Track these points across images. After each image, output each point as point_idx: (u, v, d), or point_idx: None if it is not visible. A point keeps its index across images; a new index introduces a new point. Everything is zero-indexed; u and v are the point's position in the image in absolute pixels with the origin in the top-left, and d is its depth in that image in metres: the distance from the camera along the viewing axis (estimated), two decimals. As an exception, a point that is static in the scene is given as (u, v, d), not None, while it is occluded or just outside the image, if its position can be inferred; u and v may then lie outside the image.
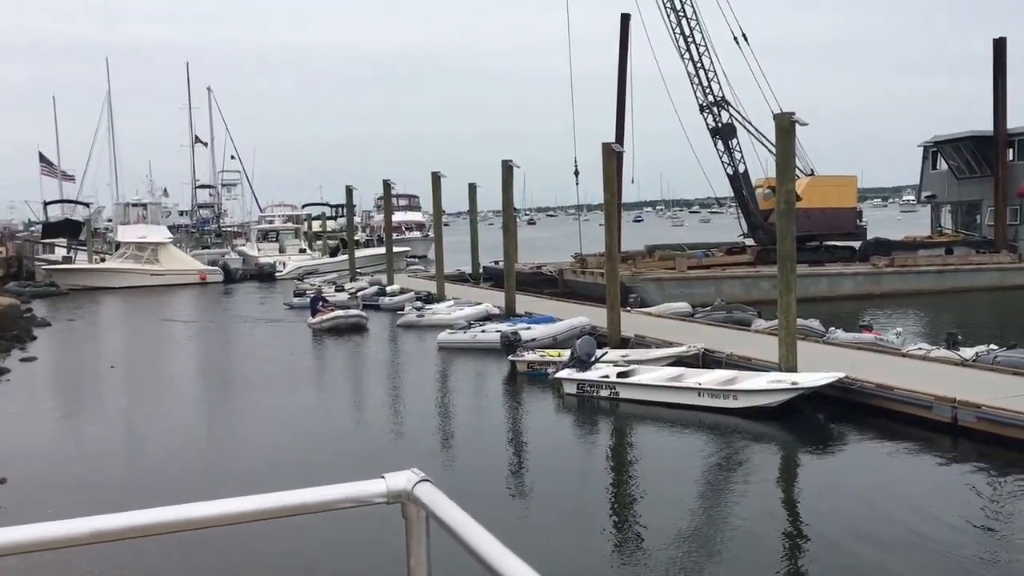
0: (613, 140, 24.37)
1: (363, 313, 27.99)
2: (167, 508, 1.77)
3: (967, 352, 16.52)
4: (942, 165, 40.03)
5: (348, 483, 2.02)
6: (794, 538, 9.50)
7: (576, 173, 38.05)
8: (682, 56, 34.35)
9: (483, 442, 13.77)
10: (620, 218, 26.07)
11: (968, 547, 8.87)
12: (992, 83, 35.67)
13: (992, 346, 17.02)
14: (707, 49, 34.27)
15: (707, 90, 34.39)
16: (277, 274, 51.00)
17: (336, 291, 35.93)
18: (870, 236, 38.33)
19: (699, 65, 34.30)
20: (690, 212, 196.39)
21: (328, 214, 71.05)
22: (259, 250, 57.66)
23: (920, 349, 17.17)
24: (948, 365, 15.81)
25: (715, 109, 34.49)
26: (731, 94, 34.83)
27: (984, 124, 36.87)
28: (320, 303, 28.46)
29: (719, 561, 8.85)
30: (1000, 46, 35.42)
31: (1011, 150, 36.61)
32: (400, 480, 1.96)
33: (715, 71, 34.38)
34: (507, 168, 26.62)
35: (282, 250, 58.18)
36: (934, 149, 40.46)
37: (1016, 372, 14.73)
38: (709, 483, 11.52)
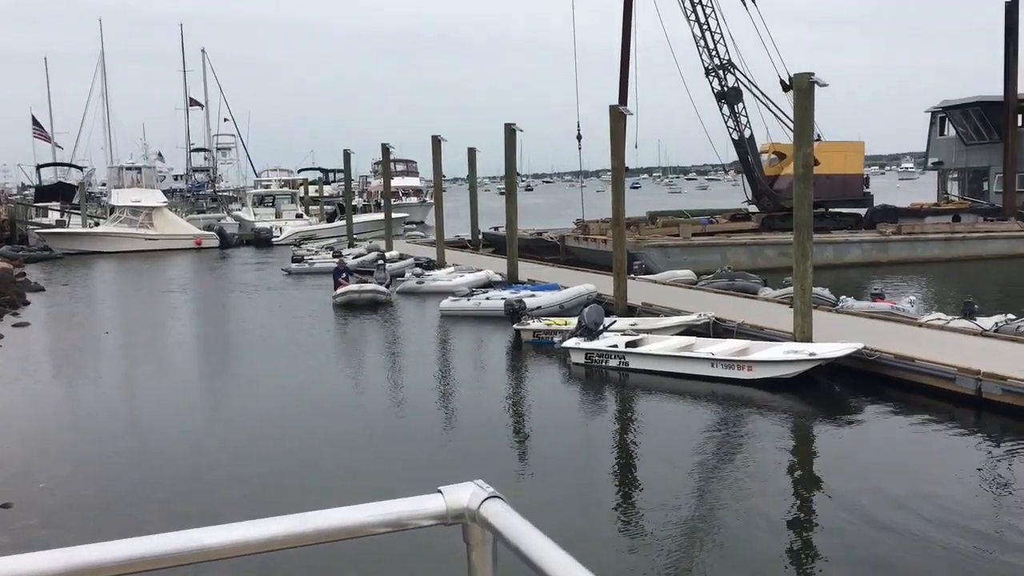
0: (609, 108, 23.68)
1: (381, 288, 24.81)
2: (178, 534, 1.41)
3: (986, 322, 16.07)
4: (950, 131, 39.42)
5: (395, 500, 1.57)
6: (809, 515, 9.11)
7: (579, 137, 37.43)
8: (688, 18, 33.51)
9: (490, 413, 13.30)
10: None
11: (992, 526, 8.50)
12: (1004, 48, 34.95)
13: (1010, 316, 16.56)
14: (713, 11, 33.46)
15: (713, 53, 33.59)
16: (274, 239, 50.40)
17: (355, 258, 34.62)
18: (876, 203, 37.78)
19: (705, 27, 33.47)
20: (687, 179, 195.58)
21: (314, 179, 70.30)
22: (255, 215, 56.98)
23: (938, 319, 16.70)
24: (967, 335, 15.38)
25: (721, 73, 33.71)
26: (738, 58, 34.09)
27: (970, 94, 36.35)
28: (343, 275, 25.74)
29: (730, 537, 8.48)
30: (1012, 8, 34.67)
31: (1021, 116, 35.99)
32: (462, 495, 1.53)
33: (721, 34, 33.58)
34: (510, 132, 25.98)
35: (278, 215, 57.53)
36: (942, 115, 39.81)
37: (1039, 343, 14.30)
38: (724, 457, 11.10)
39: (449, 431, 12.61)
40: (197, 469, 10.84)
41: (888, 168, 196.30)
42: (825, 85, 14.84)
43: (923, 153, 45.02)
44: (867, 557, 7.98)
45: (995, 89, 36.16)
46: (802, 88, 14.90)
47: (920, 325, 16.50)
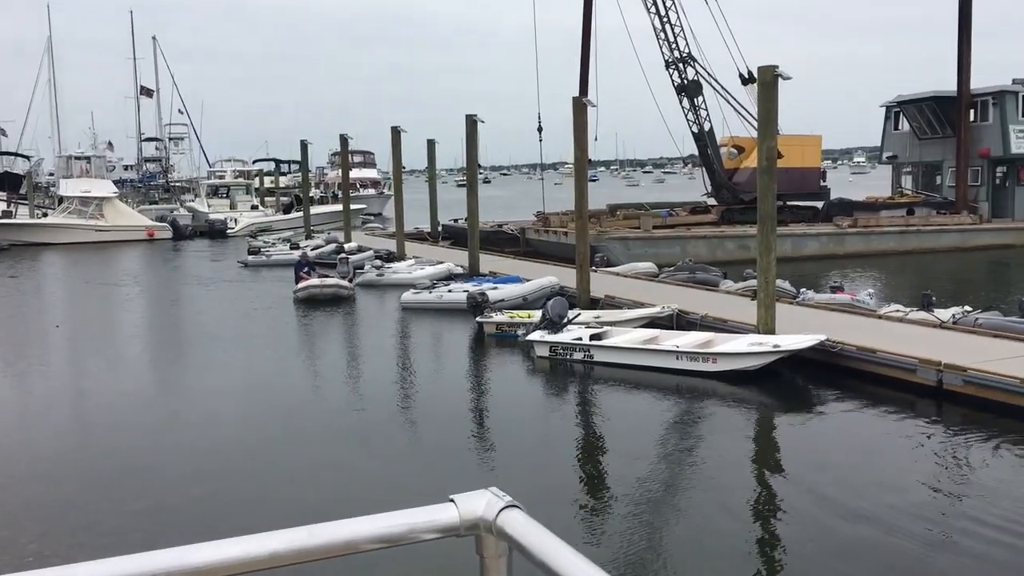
0: (572, 99, 23.52)
1: (344, 282, 23.95)
2: (171, 551, 1.30)
3: (944, 314, 16.27)
4: (904, 126, 39.92)
5: (404, 511, 1.44)
6: (772, 507, 9.08)
7: (540, 129, 37.34)
8: (648, 10, 33.56)
9: (453, 407, 13.12)
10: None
11: (953, 516, 8.55)
12: (957, 43, 35.45)
13: (966, 307, 16.80)
14: (673, 4, 33.52)
15: (673, 46, 33.68)
16: (229, 231, 49.70)
17: (313, 250, 34.04)
18: (832, 197, 38.21)
19: (665, 20, 33.54)
20: (644, 172, 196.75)
21: (269, 170, 69.37)
22: (209, 206, 56.10)
23: (897, 311, 16.88)
24: (926, 327, 15.54)
25: (681, 66, 33.81)
26: (697, 51, 34.22)
27: (914, 90, 36.92)
28: (305, 268, 24.59)
29: (693, 528, 8.47)
30: (965, 4, 35.19)
31: (973, 111, 36.57)
32: (476, 504, 1.43)
33: (681, 27, 33.68)
34: (471, 123, 25.75)
35: (233, 206, 56.73)
36: (896, 109, 40.30)
37: (997, 334, 14.50)
38: (689, 449, 11.05)
39: (410, 426, 12.42)
40: (151, 465, 10.53)
41: (840, 162, 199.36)
42: (789, 78, 14.86)
43: (875, 147, 45.64)
44: (829, 547, 7.98)
45: (948, 84, 36.73)
46: (766, 81, 14.90)
47: (880, 317, 16.66)
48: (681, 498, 9.27)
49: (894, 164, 41.29)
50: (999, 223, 36.07)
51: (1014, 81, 36.15)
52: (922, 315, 16.34)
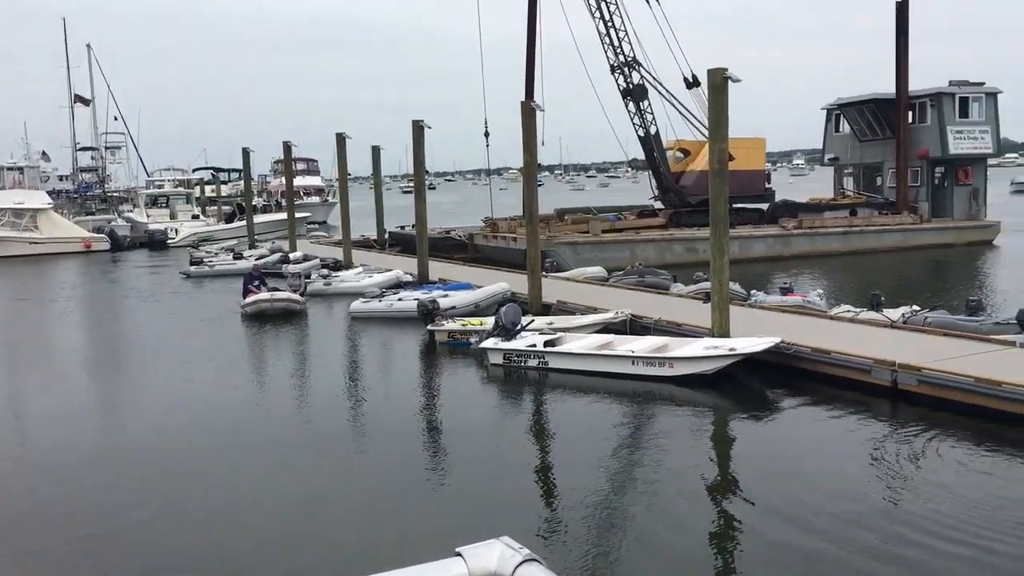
0: (520, 104, 23.37)
1: (296, 296, 22.75)
2: None
3: (893, 313, 16.43)
4: (845, 128, 40.59)
5: (406, 569, 1.24)
6: (730, 510, 8.93)
7: (487, 135, 37.18)
8: (593, 15, 33.60)
9: (406, 417, 12.77)
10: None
11: (909, 516, 8.49)
12: (895, 46, 36.14)
13: (915, 307, 17.00)
14: (618, 8, 33.61)
15: (618, 50, 33.76)
16: (169, 241, 48.64)
17: (257, 259, 33.25)
18: (776, 199, 38.67)
19: (610, 24, 33.62)
20: (587, 177, 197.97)
21: (210, 178, 68.25)
22: (148, 216, 54.83)
23: (848, 311, 16.99)
24: (877, 327, 15.65)
25: (626, 70, 33.92)
26: (642, 55, 34.34)
27: (854, 92, 37.57)
28: (255, 282, 23.15)
29: (649, 534, 8.29)
30: (902, 8, 35.89)
31: (911, 113, 37.30)
32: (488, 558, 1.24)
33: (626, 31, 33.78)
34: (418, 128, 25.43)
35: (173, 216, 55.54)
36: (837, 112, 40.97)
37: (947, 333, 14.64)
38: (648, 455, 10.84)
39: (360, 438, 12.03)
40: (95, 487, 10.03)
41: (779, 165, 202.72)
42: (739, 80, 14.84)
43: (813, 150, 46.35)
44: (784, 550, 7.86)
45: (886, 86, 37.46)
46: (716, 84, 14.86)
47: (831, 318, 16.75)
48: (639, 504, 9.07)
49: (836, 166, 41.95)
50: (939, 223, 36.85)
51: (951, 83, 36.97)
52: (872, 315, 16.48)
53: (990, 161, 39.56)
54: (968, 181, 37.72)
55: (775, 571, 7.56)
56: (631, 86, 34.02)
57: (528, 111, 19.80)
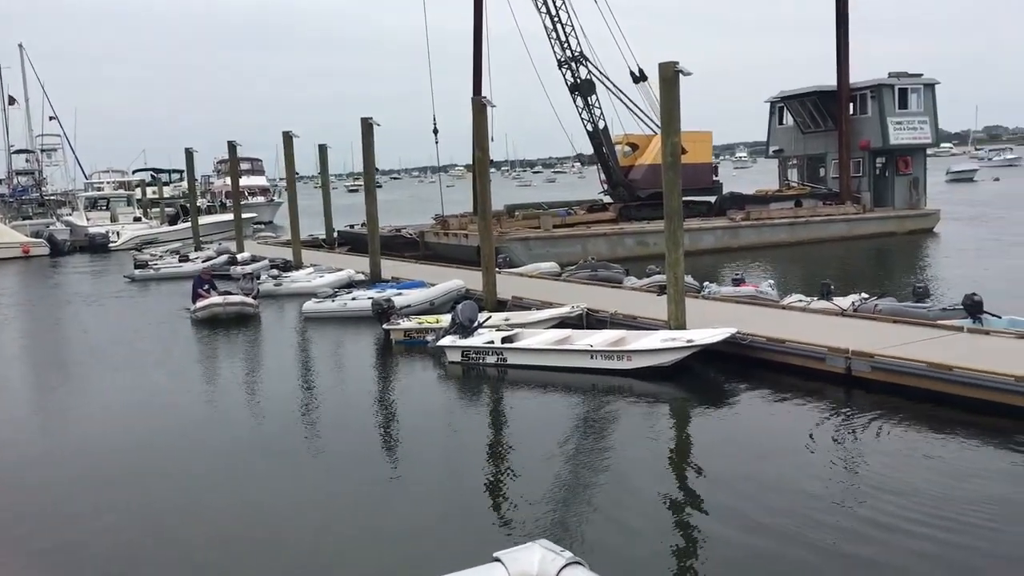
0: (471, 100, 23.35)
1: (250, 300, 22.06)
2: None
3: (843, 302, 16.68)
4: (788, 120, 41.19)
5: None
6: (688, 501, 9.00)
7: (435, 131, 37.00)
8: (539, 10, 33.61)
9: (363, 419, 12.63)
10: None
11: (863, 502, 8.62)
12: (835, 39, 36.76)
13: (863, 295, 17.28)
14: (564, 3, 33.66)
15: (565, 45, 33.83)
16: (111, 245, 47.55)
17: (204, 261, 32.55)
18: (723, 191, 39.12)
19: (556, 19, 33.66)
20: (534, 172, 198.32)
21: (151, 180, 66.93)
22: (88, 219, 53.54)
23: (799, 301, 17.22)
24: (829, 316, 15.89)
25: (574, 65, 34.00)
26: (589, 50, 34.45)
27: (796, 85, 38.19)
28: (205, 286, 22.48)
29: (609, 529, 8.29)
30: (842, 2, 36.52)
31: (853, 104, 37.98)
32: (528, 563, 1.24)
33: (573, 26, 33.86)
34: (367, 126, 25.20)
35: (114, 219, 54.31)
36: (780, 104, 41.56)
37: (896, 320, 14.92)
38: (608, 448, 10.85)
39: (315, 440, 11.82)
40: (47, 500, 9.74)
41: (722, 157, 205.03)
42: (689, 74, 14.94)
43: (755, 142, 47.06)
44: (741, 537, 7.93)
45: (826, 78, 38.12)
46: (668, 77, 14.95)
47: (784, 307, 16.97)
48: (600, 497, 9.06)
49: (780, 158, 42.57)
50: (881, 212, 37.62)
51: (890, 74, 37.72)
52: (823, 304, 16.72)
53: (928, 151, 40.47)
54: (908, 171, 38.56)
55: (730, 559, 7.60)
56: (579, 81, 34.12)
57: (479, 107, 19.71)
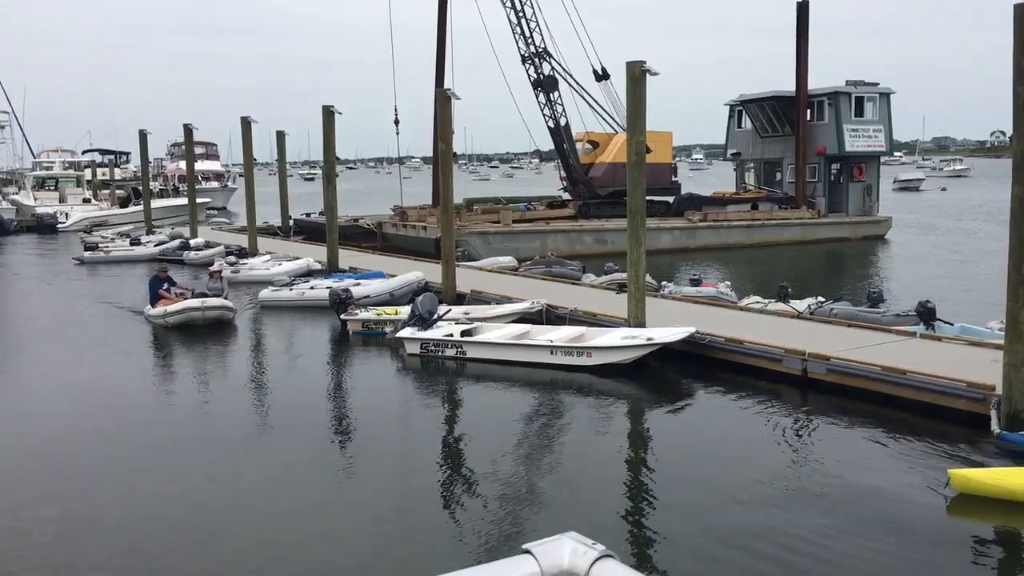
0: (435, 91, 23.32)
1: (229, 303, 18.94)
2: None
3: (800, 305, 16.91)
4: (747, 123, 41.63)
5: (475, 568, 1.18)
6: (644, 499, 9.04)
7: (396, 122, 36.77)
8: (504, 4, 33.52)
9: (318, 410, 12.47)
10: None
11: (816, 500, 8.74)
12: (795, 45, 37.24)
13: (820, 298, 17.55)
14: (529, -1, 33.62)
15: (529, 41, 33.80)
16: (59, 226, 46.54)
17: (156, 245, 31.73)
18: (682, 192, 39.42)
19: (521, 15, 33.61)
20: (491, 167, 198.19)
21: (101, 161, 65.53)
22: (36, 199, 52.26)
23: (757, 302, 17.42)
24: (786, 318, 16.09)
25: (537, 60, 33.99)
26: (553, 47, 34.46)
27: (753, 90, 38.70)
28: (165, 286, 19.56)
29: (563, 526, 8.22)
30: (803, 8, 37.01)
31: (810, 110, 38.51)
32: (559, 555, 1.24)
33: (537, 22, 33.84)
34: (328, 114, 24.92)
35: (63, 199, 53.08)
36: (739, 108, 41.99)
37: (851, 324, 15.15)
38: (564, 444, 10.86)
39: (268, 431, 11.66)
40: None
41: (678, 159, 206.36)
42: (656, 74, 15.03)
43: (711, 145, 47.56)
44: (695, 534, 7.97)
45: (785, 84, 38.58)
46: (635, 76, 15.00)
47: (742, 309, 17.15)
48: (557, 492, 9.04)
49: (738, 161, 43.02)
50: (835, 218, 38.23)
51: (847, 82, 38.31)
52: (780, 306, 16.93)
53: (881, 159, 41.21)
54: (862, 178, 39.21)
55: (683, 555, 7.63)
56: (542, 77, 34.12)
57: (443, 99, 19.61)
